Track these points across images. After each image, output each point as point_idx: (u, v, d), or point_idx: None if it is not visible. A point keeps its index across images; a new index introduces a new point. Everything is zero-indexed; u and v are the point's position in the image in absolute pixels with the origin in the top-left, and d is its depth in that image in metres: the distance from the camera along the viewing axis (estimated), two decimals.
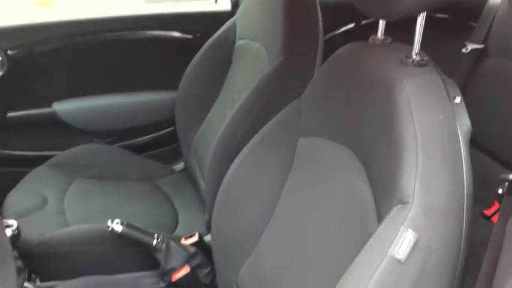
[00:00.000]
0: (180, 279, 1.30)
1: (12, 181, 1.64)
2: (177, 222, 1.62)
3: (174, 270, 1.31)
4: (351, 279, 0.75)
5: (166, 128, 1.97)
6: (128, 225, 1.32)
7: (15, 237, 1.20)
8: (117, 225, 1.31)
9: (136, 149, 1.92)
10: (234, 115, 1.34)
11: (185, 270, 1.30)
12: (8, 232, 1.17)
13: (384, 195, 0.79)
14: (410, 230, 0.72)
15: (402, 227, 0.73)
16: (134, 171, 1.80)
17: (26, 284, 1.26)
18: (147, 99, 1.95)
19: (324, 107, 1.01)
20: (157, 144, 1.99)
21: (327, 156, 0.99)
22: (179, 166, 1.93)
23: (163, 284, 1.34)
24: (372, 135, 0.84)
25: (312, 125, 1.05)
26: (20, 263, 1.24)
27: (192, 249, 1.35)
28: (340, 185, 0.93)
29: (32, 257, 1.38)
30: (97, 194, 1.66)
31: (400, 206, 0.75)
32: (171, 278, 1.30)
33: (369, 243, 0.75)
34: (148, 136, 1.99)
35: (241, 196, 1.16)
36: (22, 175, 1.68)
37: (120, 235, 1.31)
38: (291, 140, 1.09)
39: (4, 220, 1.18)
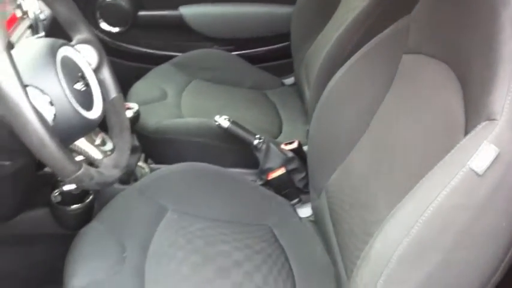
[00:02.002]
0: (275, 178, 1.39)
1: (137, 75, 1.82)
2: (280, 131, 1.71)
3: (271, 170, 1.40)
4: (427, 184, 0.79)
5: (281, 42, 2.03)
6: (233, 122, 1.43)
7: (135, 119, 1.35)
8: (224, 121, 1.42)
9: (252, 59, 2.01)
10: (344, 31, 1.37)
11: (281, 171, 1.39)
12: (130, 113, 1.32)
13: (474, 112, 0.80)
14: (492, 145, 0.74)
15: (485, 141, 0.74)
16: (247, 79, 1.91)
17: (139, 163, 1.43)
18: (267, 12, 2.02)
19: (430, 24, 1.01)
20: (271, 57, 2.07)
21: (427, 73, 1.00)
22: (289, 80, 2.00)
23: (260, 182, 1.46)
24: (471, 52, 0.84)
25: (418, 41, 1.05)
26: (137, 143, 1.39)
27: (290, 154, 1.43)
28: (434, 101, 0.95)
29: (148, 141, 1.55)
30: (211, 95, 1.80)
31: (487, 122, 0.76)
32: (267, 176, 1.40)
33: (449, 154, 0.78)
34: (264, 48, 2.07)
35: (339, 106, 1.21)
36: (146, 70, 1.85)
37: (226, 130, 1.42)
38: (395, 56, 1.10)
39: (126, 103, 1.32)
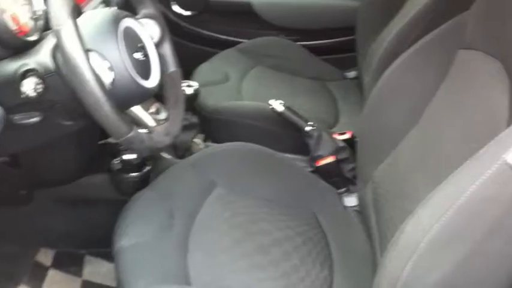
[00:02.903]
0: (324, 166, 1.42)
1: (203, 58, 1.89)
2: (336, 122, 1.73)
3: (321, 157, 1.43)
4: (461, 174, 0.80)
5: (346, 36, 2.04)
6: (287, 108, 1.47)
7: (194, 96, 1.41)
8: (278, 105, 1.47)
9: (316, 51, 2.04)
10: (405, 25, 1.37)
11: (330, 159, 1.41)
12: (190, 90, 1.38)
13: None
14: None
15: None
16: (309, 70, 1.94)
17: (195, 139, 1.49)
18: (334, 4, 2.04)
19: (487, 20, 1.01)
20: (335, 50, 2.08)
21: (479, 69, 1.00)
22: (352, 74, 2.00)
23: (310, 169, 1.48)
24: None
25: (474, 37, 1.05)
26: (195, 120, 1.45)
27: (341, 144, 1.45)
28: (483, 96, 0.95)
29: (206, 121, 1.62)
30: (272, 82, 1.84)
31: None
32: (316, 163, 1.43)
33: (486, 146, 0.79)
34: (329, 40, 2.08)
35: (392, 98, 1.22)
36: (212, 54, 1.92)
37: (279, 115, 1.46)
38: (451, 51, 1.10)
39: (187, 80, 1.39)
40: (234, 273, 1.11)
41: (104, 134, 1.53)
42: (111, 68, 0.91)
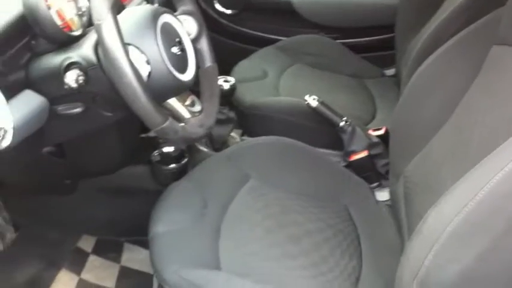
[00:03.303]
0: (357, 160, 1.44)
1: (243, 55, 1.93)
2: (373, 118, 1.74)
3: (354, 152, 1.45)
4: (484, 167, 0.81)
5: (385, 34, 2.04)
6: (322, 103, 1.49)
7: (231, 91, 1.45)
8: (313, 101, 1.49)
9: (355, 48, 2.05)
10: (442, 21, 1.37)
11: (363, 154, 1.43)
12: (226, 85, 1.42)
13: None
14: None
15: None
16: (347, 67, 1.95)
17: (232, 133, 1.53)
18: (373, 2, 2.04)
19: None
20: (374, 48, 2.09)
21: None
22: (390, 71, 2.01)
23: (343, 164, 1.50)
24: None
25: (508, 33, 1.05)
26: (231, 115, 1.50)
27: (375, 139, 1.46)
28: None
29: (243, 116, 1.66)
30: (310, 79, 1.87)
31: None
32: (349, 158, 1.45)
33: (508, 141, 0.79)
34: (368, 38, 2.09)
35: (425, 93, 1.22)
36: (251, 52, 1.96)
37: (314, 110, 1.49)
38: (485, 46, 1.10)
39: (224, 76, 1.43)
40: (264, 261, 1.14)
41: (146, 128, 1.60)
42: (148, 62, 0.96)
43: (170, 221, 1.18)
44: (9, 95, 0.92)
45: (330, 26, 2.11)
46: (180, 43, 1.05)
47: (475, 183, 0.80)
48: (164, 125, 0.93)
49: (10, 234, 1.57)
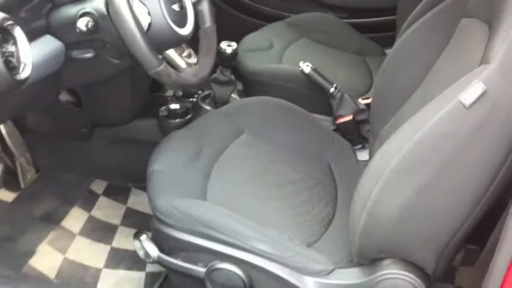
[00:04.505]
0: (343, 123, 1.58)
1: (251, 29, 2.07)
2: (367, 91, 1.86)
3: (341, 116, 1.58)
4: (424, 111, 0.94)
5: (389, 16, 2.15)
6: (314, 70, 1.63)
7: (233, 55, 1.59)
8: (306, 67, 1.63)
9: (360, 28, 2.17)
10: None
11: (348, 117, 1.56)
12: (229, 50, 1.57)
13: (483, 59, 0.93)
14: (481, 83, 0.86)
15: (476, 80, 0.87)
16: (352, 45, 2.08)
17: (233, 95, 1.68)
18: None
19: None
20: (378, 28, 2.20)
21: (472, 33, 1.12)
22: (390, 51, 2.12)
23: (332, 128, 1.64)
24: (504, 9, 0.92)
25: (474, 7, 1.16)
26: (232, 77, 1.64)
27: (362, 106, 1.60)
28: (469, 53, 1.06)
29: (246, 81, 1.81)
30: (313, 53, 2.00)
31: (484, 65, 0.89)
32: (336, 121, 1.58)
33: (448, 88, 0.92)
34: (373, 19, 2.21)
35: (401, 63, 1.35)
36: (260, 26, 2.10)
37: (307, 76, 1.62)
38: (454, 20, 1.22)
39: (226, 41, 1.58)
40: (247, 199, 1.28)
41: (155, 88, 1.77)
42: (149, 13, 1.12)
43: (167, 160, 1.34)
44: (32, 38, 1.08)
45: (338, 6, 2.24)
46: (180, 1, 1.20)
47: (415, 126, 0.94)
48: (159, 68, 1.09)
49: (31, 174, 1.77)
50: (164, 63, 1.10)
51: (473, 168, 0.92)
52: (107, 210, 1.72)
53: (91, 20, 1.11)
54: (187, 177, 1.30)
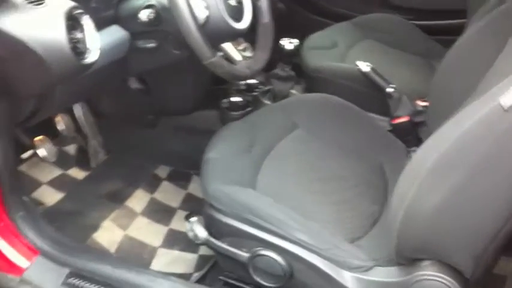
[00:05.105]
0: (398, 124, 1.58)
1: (318, 27, 2.11)
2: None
3: (398, 117, 1.59)
4: (464, 112, 0.96)
5: (459, 18, 2.12)
6: (373, 69, 1.64)
7: (294, 51, 1.64)
8: (364, 66, 1.65)
9: (428, 31, 2.15)
10: None
11: (405, 118, 1.57)
12: (290, 46, 1.62)
13: None
14: None
15: None
16: (414, 46, 2.08)
17: (292, 90, 1.73)
18: None
19: None
20: (447, 31, 2.16)
21: None
22: None
23: (388, 128, 1.65)
24: None
25: None
26: (292, 73, 1.69)
27: (420, 108, 1.60)
28: None
29: (307, 78, 1.86)
30: (377, 54, 2.01)
31: None
32: (392, 121, 1.59)
33: (489, 92, 0.93)
34: (442, 22, 2.19)
35: (457, 67, 1.36)
36: (327, 25, 2.13)
37: (364, 74, 1.64)
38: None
39: (288, 38, 1.63)
40: (293, 191, 1.33)
41: (218, 82, 1.86)
42: (206, 7, 1.19)
43: (222, 149, 1.41)
44: (100, 27, 1.18)
45: (406, 7, 2.23)
46: None
47: (454, 127, 0.95)
48: (213, 59, 1.16)
49: (102, 156, 1.90)
50: (218, 55, 1.16)
51: (511, 170, 0.92)
52: (168, 194, 1.82)
53: (153, 11, 1.20)
54: (239, 167, 1.36)
